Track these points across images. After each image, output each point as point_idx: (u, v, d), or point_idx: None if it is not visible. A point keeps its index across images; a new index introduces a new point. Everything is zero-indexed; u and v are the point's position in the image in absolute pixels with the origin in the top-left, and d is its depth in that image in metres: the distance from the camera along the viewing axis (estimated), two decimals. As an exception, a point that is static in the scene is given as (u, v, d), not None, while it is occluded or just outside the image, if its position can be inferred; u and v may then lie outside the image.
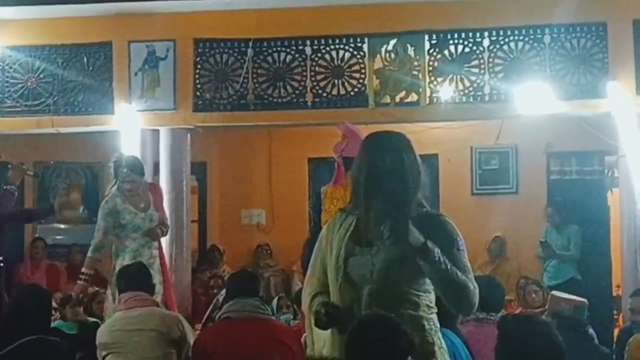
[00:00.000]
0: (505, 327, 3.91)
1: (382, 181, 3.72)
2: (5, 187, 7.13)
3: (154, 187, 8.22)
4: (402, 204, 3.69)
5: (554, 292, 7.28)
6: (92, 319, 8.12)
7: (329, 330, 3.76)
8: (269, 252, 11.85)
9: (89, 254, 7.65)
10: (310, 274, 4.01)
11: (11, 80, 10.16)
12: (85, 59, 10.05)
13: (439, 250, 3.62)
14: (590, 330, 6.78)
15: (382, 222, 3.67)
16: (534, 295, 9.18)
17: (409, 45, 9.70)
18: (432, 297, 3.82)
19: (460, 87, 9.64)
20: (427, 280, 3.77)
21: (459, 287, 3.68)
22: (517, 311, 8.67)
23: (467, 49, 9.65)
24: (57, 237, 12.33)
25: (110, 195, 7.70)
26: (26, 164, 11.26)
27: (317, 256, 3.97)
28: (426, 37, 9.67)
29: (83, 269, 7.68)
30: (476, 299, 3.74)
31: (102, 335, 5.86)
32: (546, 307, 7.48)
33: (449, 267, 3.64)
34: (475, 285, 3.74)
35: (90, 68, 10.07)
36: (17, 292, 6.81)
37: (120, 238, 7.64)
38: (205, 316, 8.00)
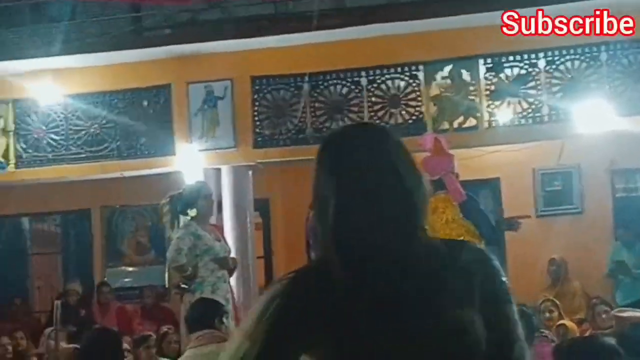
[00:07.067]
0: (560, 352, 3.91)
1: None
2: None
3: (216, 226, 8.32)
4: None
5: (617, 312, 7.16)
6: (163, 359, 8.19)
7: None
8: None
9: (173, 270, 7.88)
10: None
11: (74, 128, 10.36)
12: (145, 103, 10.24)
13: None
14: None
15: None
16: (603, 316, 9.04)
17: (464, 71, 9.71)
18: None
19: (519, 109, 9.61)
20: None
21: None
22: (587, 332, 8.56)
23: (523, 71, 9.63)
24: (126, 279, 12.45)
25: (186, 223, 7.72)
26: (93, 209, 11.61)
27: None
28: (481, 61, 9.68)
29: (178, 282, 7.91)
30: None
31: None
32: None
33: None
34: None
35: (151, 111, 10.24)
36: (87, 337, 6.88)
37: (199, 269, 7.60)
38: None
